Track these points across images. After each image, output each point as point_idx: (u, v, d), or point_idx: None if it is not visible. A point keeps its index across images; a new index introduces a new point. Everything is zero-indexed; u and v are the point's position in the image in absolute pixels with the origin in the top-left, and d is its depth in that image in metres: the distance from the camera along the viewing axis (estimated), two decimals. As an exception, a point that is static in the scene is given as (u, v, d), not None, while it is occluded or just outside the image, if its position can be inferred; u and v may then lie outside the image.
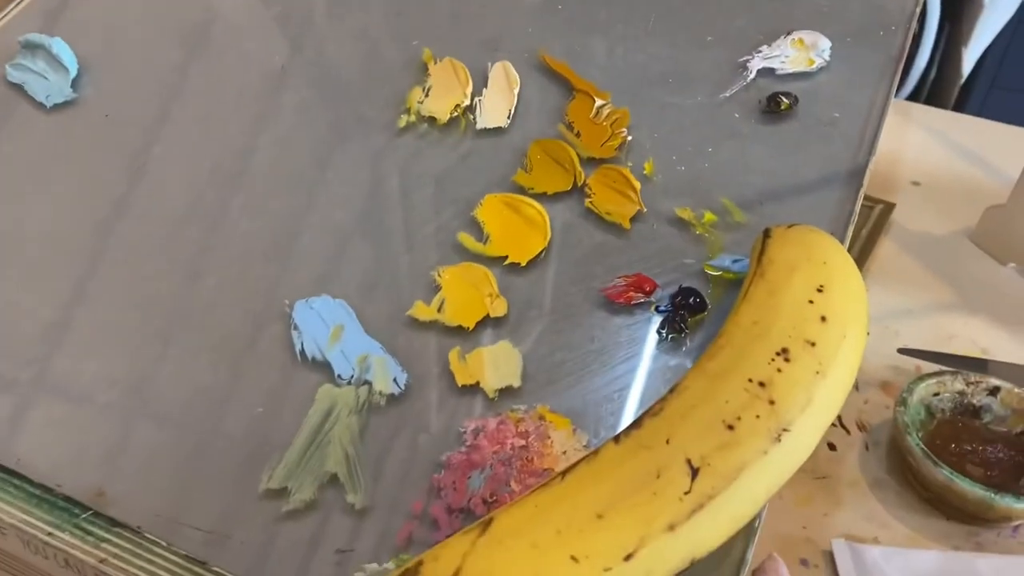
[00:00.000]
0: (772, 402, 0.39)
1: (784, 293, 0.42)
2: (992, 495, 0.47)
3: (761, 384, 0.40)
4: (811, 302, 0.42)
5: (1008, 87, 1.56)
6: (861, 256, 0.67)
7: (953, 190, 0.75)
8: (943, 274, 0.67)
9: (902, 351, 0.58)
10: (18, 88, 0.59)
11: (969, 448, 0.51)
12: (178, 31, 0.62)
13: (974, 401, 0.53)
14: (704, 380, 0.40)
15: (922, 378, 0.53)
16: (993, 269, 0.67)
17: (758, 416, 0.39)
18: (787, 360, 0.40)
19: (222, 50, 0.61)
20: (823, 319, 0.42)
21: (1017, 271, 0.67)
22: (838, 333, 0.41)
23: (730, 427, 0.38)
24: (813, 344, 0.41)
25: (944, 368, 0.54)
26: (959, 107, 1.56)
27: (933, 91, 1.37)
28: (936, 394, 0.53)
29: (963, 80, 1.50)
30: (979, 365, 0.57)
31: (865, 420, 0.56)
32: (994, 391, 0.53)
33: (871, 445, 0.54)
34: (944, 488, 0.48)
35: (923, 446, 0.49)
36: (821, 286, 0.43)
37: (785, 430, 0.39)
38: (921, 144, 0.80)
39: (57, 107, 0.59)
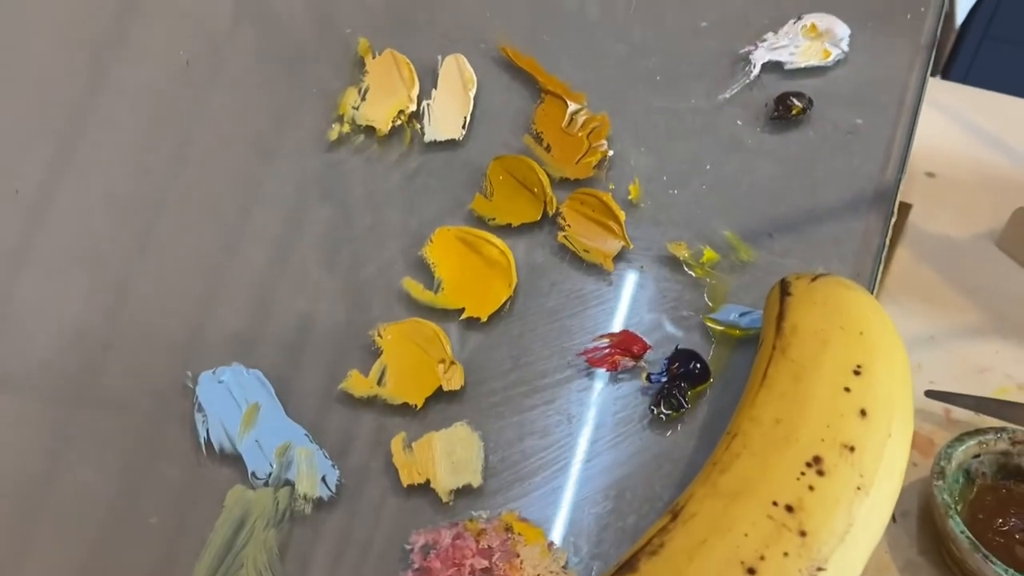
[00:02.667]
0: (803, 533, 0.30)
1: (814, 378, 0.33)
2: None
3: (789, 508, 0.31)
4: (847, 390, 0.33)
5: (1002, 38, 1.47)
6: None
7: (973, 182, 0.66)
8: (967, 289, 0.58)
9: (929, 394, 0.50)
10: None
11: (1018, 522, 0.43)
12: (56, 22, 0.50)
13: (1021, 463, 0.45)
14: (716, 503, 0.31)
15: (960, 439, 0.45)
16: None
17: (786, 553, 0.30)
18: (820, 473, 0.31)
19: (113, 41, 0.50)
20: (863, 413, 0.33)
21: (1052, 284, 0.59)
22: (882, 431, 0.33)
23: (750, 571, 0.30)
24: (852, 449, 0.32)
25: (985, 427, 0.46)
26: (950, 59, 1.47)
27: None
28: (976, 456, 0.45)
29: (956, 31, 1.41)
30: (1021, 411, 0.48)
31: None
32: (1044, 450, 0.45)
33: (899, 516, 0.46)
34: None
35: (970, 535, 0.40)
36: (859, 367, 0.34)
37: (820, 569, 0.30)
38: (933, 125, 0.71)
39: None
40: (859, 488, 0.31)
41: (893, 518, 0.46)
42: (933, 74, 0.47)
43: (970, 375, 0.53)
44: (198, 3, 0.50)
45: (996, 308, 0.57)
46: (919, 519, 0.46)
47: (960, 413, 0.51)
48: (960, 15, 1.32)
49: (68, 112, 0.47)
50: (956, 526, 0.41)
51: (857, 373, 0.33)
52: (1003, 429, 0.45)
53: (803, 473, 0.31)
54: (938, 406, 0.51)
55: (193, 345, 0.41)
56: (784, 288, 0.37)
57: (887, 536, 0.46)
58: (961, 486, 0.45)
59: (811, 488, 0.31)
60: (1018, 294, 0.58)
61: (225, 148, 0.47)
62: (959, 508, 0.43)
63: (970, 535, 0.40)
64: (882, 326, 0.35)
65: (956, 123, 0.72)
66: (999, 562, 0.39)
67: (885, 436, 0.32)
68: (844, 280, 0.37)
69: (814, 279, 0.37)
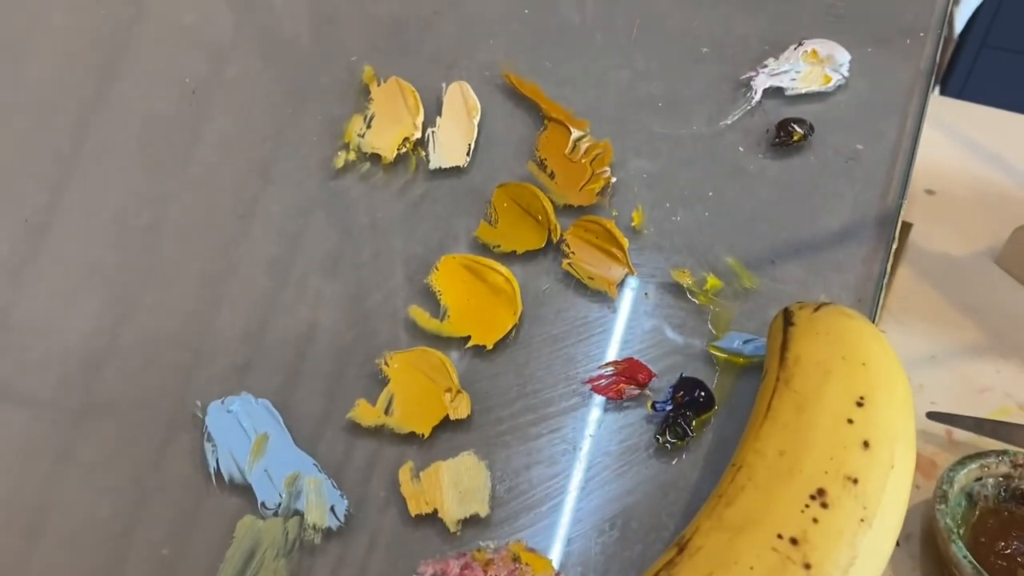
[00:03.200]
0: (808, 566, 0.31)
1: (817, 410, 0.34)
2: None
3: (793, 541, 0.31)
4: (850, 421, 0.34)
5: (999, 46, 1.48)
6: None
7: (973, 199, 0.67)
8: (968, 308, 0.59)
9: (931, 416, 0.50)
10: None
11: (1020, 545, 0.44)
12: (62, 39, 0.51)
13: (1022, 486, 0.45)
14: (721, 535, 0.32)
15: (962, 462, 0.45)
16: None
17: (791, 586, 0.30)
18: (824, 506, 0.32)
19: (121, 68, 0.50)
20: (866, 444, 0.33)
21: (1052, 303, 0.59)
22: (884, 462, 0.33)
23: (757, 604, 0.30)
24: (855, 481, 0.32)
25: (987, 450, 0.46)
26: (948, 69, 1.48)
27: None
28: (978, 479, 0.45)
29: (955, 41, 1.42)
30: (1020, 431, 0.49)
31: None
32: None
33: (902, 539, 0.46)
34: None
35: (972, 560, 0.41)
36: (862, 398, 0.34)
37: (825, 601, 0.30)
38: (932, 141, 0.71)
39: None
40: (862, 520, 0.32)
41: (896, 542, 0.47)
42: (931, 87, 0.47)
43: (971, 395, 0.54)
44: (203, 31, 0.51)
45: (996, 327, 0.58)
46: (922, 541, 0.47)
47: (962, 434, 0.51)
48: (958, 25, 1.33)
49: (74, 137, 0.48)
50: (959, 551, 0.41)
51: (860, 404, 0.34)
52: (1004, 452, 0.46)
53: (807, 506, 0.32)
54: (940, 427, 0.51)
55: (198, 371, 0.42)
56: (787, 318, 0.38)
57: (891, 560, 0.46)
58: (964, 509, 0.45)
59: (815, 521, 0.32)
60: (1018, 313, 0.59)
61: (230, 174, 0.47)
62: (961, 531, 0.44)
63: (972, 560, 0.41)
64: (884, 356, 0.36)
65: (955, 140, 0.73)
66: (1002, 587, 0.40)
67: (888, 467, 0.33)
68: (846, 310, 0.38)
69: (817, 309, 0.38)
